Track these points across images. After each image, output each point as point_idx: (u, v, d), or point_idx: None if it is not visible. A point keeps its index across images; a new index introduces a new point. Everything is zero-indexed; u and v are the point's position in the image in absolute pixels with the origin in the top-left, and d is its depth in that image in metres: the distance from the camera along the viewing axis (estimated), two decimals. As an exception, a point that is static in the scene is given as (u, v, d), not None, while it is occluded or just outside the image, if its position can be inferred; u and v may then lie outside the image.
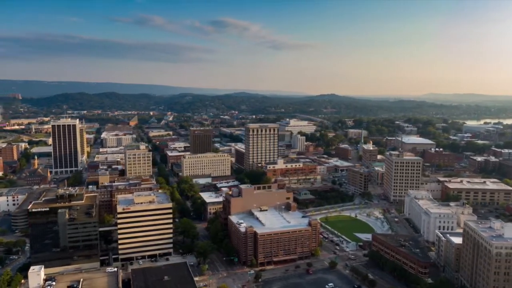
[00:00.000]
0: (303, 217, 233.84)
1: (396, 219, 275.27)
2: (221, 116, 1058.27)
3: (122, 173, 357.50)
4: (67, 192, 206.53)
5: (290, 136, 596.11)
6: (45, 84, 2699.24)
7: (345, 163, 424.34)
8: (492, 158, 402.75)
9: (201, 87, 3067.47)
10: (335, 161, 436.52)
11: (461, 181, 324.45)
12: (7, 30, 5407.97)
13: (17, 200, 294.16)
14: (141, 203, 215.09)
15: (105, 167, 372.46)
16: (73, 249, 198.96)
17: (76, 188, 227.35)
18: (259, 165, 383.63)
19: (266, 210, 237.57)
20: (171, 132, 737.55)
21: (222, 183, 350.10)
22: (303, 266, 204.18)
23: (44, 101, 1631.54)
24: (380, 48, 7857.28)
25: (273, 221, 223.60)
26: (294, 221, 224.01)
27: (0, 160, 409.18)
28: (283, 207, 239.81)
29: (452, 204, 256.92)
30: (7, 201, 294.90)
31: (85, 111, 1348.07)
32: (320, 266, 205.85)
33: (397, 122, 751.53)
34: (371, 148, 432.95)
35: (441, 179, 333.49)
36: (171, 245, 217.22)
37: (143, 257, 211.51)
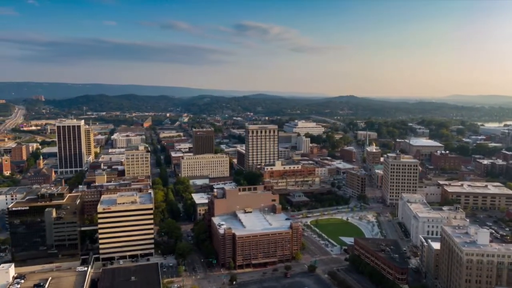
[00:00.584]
0: (287, 219, 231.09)
1: (389, 223, 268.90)
2: (234, 118, 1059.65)
3: (122, 173, 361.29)
4: (48, 192, 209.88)
5: (296, 138, 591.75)
6: (69, 86, 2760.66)
7: (347, 165, 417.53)
8: (499, 161, 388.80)
9: (221, 89, 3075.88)
10: (337, 163, 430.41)
11: (462, 185, 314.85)
12: (47, 35, 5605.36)
13: (16, 198, 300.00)
14: (123, 203, 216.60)
15: (105, 167, 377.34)
16: (54, 247, 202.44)
17: (59, 187, 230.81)
18: (259, 166, 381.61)
19: (251, 212, 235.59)
20: (181, 133, 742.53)
21: (219, 184, 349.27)
22: (282, 269, 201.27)
23: (66, 102, 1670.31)
24: (402, 49, 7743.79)
25: (255, 223, 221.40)
26: (277, 224, 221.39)
27: (8, 160, 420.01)
28: (266, 209, 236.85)
29: (445, 208, 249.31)
30: (6, 199, 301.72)
31: (104, 112, 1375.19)
32: (299, 270, 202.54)
33: (410, 124, 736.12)
34: (374, 150, 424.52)
35: (441, 182, 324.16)
36: (152, 246, 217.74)
37: (124, 257, 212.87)
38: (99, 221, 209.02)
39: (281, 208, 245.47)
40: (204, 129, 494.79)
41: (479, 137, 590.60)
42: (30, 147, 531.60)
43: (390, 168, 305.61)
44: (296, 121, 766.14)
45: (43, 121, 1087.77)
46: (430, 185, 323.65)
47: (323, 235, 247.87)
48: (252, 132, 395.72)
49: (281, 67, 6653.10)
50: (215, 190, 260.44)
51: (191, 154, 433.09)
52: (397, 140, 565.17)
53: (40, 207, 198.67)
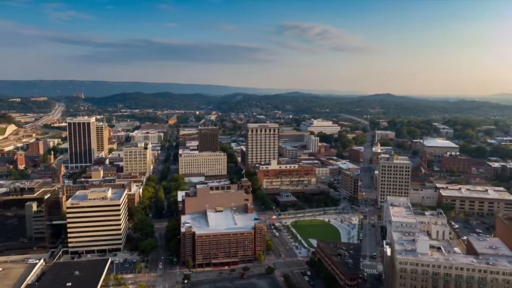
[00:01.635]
0: (255, 219, 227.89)
1: (372, 226, 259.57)
2: (258, 116, 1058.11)
3: (121, 169, 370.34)
4: (20, 186, 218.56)
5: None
6: (110, 84, 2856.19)
7: (351, 166, 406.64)
8: (510, 164, 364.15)
9: (257, 87, 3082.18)
10: (342, 163, 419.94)
11: (459, 189, 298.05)
12: (105, 37, 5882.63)
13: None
14: (94, 199, 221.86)
15: (108, 163, 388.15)
16: (26, 239, 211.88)
17: (33, 181, 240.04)
18: (257, 165, 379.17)
19: (221, 211, 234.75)
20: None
21: (214, 182, 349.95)
22: (240, 270, 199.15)
23: (104, 100, 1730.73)
24: (444, 48, 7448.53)
25: (220, 222, 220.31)
26: (243, 223, 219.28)
27: (22, 155, 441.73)
28: (234, 208, 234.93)
29: (427, 213, 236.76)
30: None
31: (137, 110, 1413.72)
32: (258, 271, 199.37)
33: (435, 124, 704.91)
34: (379, 151, 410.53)
35: (439, 185, 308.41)
36: (120, 241, 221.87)
37: (92, 252, 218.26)
38: (68, 215, 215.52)
39: (270, 208, 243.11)
40: (209, 127, 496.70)
41: (505, 139, 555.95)
42: (51, 143, 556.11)
43: (381, 170, 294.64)
44: (312, 119, 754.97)
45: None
46: (427, 188, 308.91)
47: (298, 236, 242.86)
48: (252, 131, 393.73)
49: (320, 66, 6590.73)
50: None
51: (197, 151, 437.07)
52: (413, 140, 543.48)
53: (9, 202, 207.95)
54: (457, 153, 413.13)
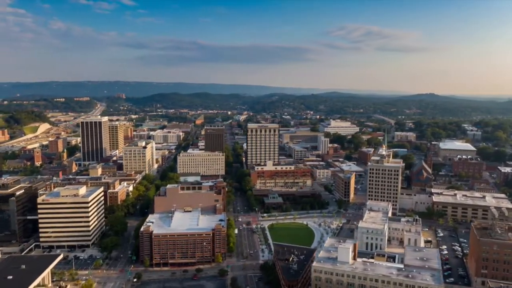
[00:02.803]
0: (220, 220, 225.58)
1: (351, 231, 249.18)
2: (283, 116, 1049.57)
3: (121, 167, 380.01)
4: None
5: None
6: (154, 85, 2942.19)
7: (355, 168, 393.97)
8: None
9: (298, 87, 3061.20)
10: (346, 165, 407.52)
11: (455, 195, 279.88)
12: (159, 39, 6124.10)
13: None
14: (66, 195, 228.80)
15: (111, 162, 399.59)
16: (9, 233, 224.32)
17: (9, 178, 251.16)
18: (252, 166, 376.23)
19: (190, 211, 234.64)
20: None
21: (208, 182, 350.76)
22: (194, 271, 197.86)
23: (143, 100, 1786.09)
24: (495, 44, 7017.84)
25: (184, 222, 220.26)
26: (206, 224, 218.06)
27: (39, 152, 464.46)
28: (199, 209, 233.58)
29: (403, 219, 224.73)
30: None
31: (172, 110, 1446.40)
32: (211, 273, 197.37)
33: (464, 125, 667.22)
34: (384, 153, 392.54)
35: (434, 190, 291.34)
36: (89, 238, 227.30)
37: (62, 247, 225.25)
38: (39, 211, 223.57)
39: (257, 209, 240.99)
40: (214, 127, 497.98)
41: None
42: (74, 141, 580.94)
43: (369, 173, 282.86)
44: (330, 120, 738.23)
45: (114, 117, 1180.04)
46: (421, 193, 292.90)
47: (269, 239, 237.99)
48: (252, 131, 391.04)
49: (365, 65, 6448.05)
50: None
51: (203, 151, 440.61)
52: (433, 142, 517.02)
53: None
54: (468, 157, 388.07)
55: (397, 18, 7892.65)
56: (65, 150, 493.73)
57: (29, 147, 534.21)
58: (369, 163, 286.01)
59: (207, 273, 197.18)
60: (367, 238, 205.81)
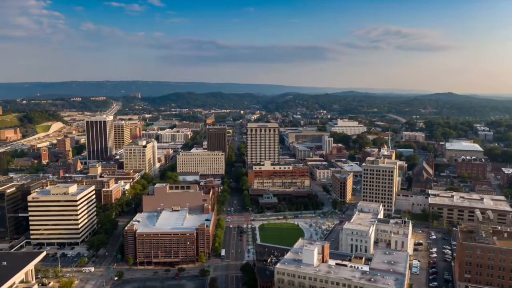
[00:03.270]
0: (206, 220, 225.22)
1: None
2: (294, 116, 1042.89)
3: (122, 166, 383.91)
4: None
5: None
6: (171, 84, 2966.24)
7: (356, 168, 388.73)
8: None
9: (315, 86, 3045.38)
10: (348, 166, 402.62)
11: (452, 196, 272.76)
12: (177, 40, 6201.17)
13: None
14: (56, 194, 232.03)
15: (112, 161, 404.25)
16: (4, 229, 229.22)
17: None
18: (250, 165, 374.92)
19: (178, 210, 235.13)
20: (230, 130, 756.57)
21: (201, 181, 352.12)
22: (176, 270, 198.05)
23: (158, 99, 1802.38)
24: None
25: (170, 221, 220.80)
26: (191, 224, 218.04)
27: (46, 150, 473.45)
28: (185, 208, 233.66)
29: (392, 221, 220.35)
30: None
31: (185, 109, 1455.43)
32: (193, 273, 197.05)
33: (476, 125, 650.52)
34: (385, 153, 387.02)
35: (431, 192, 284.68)
36: (78, 235, 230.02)
37: (52, 244, 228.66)
38: (29, 209, 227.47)
39: (251, 209, 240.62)
40: (217, 127, 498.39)
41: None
42: (82, 140, 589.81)
43: (363, 173, 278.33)
44: (338, 119, 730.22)
45: (129, 116, 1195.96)
46: (418, 194, 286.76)
47: (257, 239, 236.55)
48: (251, 131, 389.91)
49: (384, 65, 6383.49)
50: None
51: (202, 150, 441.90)
52: (440, 143, 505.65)
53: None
54: (473, 158, 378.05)
55: (418, 17, 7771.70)
56: (72, 149, 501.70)
57: (39, 145, 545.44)
58: (363, 164, 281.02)
59: (189, 273, 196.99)
60: (351, 239, 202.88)
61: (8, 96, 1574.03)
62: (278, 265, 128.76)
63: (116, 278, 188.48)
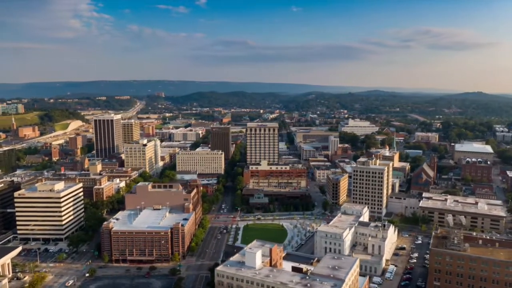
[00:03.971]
0: (184, 219, 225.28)
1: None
2: (311, 115, 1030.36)
3: (123, 164, 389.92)
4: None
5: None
6: (196, 84, 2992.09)
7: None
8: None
9: (341, 85, 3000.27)
10: (349, 167, 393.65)
11: (445, 200, 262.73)
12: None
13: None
14: (43, 190, 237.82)
15: (114, 159, 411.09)
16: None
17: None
18: (247, 165, 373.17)
19: (159, 209, 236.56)
20: (244, 130, 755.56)
21: (203, 180, 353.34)
22: (146, 269, 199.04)
23: (181, 98, 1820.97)
24: None
25: (148, 220, 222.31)
26: (168, 223, 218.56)
27: (56, 148, 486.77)
28: (165, 207, 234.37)
29: (372, 224, 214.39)
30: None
31: (206, 108, 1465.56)
32: (165, 272, 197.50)
33: (496, 126, 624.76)
34: (387, 154, 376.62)
35: (425, 195, 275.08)
36: (62, 232, 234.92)
37: (38, 239, 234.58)
38: (16, 204, 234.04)
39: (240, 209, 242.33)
40: (220, 126, 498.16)
41: None
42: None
43: (353, 175, 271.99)
44: (350, 119, 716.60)
45: (147, 115, 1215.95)
46: (410, 197, 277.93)
47: (238, 239, 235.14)
48: (251, 130, 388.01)
49: (414, 64, 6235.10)
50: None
51: (201, 149, 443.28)
52: (451, 144, 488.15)
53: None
54: (478, 160, 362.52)
55: (449, 16, 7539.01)
56: (83, 147, 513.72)
57: (54, 143, 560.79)
58: (353, 165, 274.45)
59: (160, 272, 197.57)
60: (325, 242, 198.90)
61: (39, 95, 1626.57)
62: (218, 267, 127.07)
63: (87, 275, 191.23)
